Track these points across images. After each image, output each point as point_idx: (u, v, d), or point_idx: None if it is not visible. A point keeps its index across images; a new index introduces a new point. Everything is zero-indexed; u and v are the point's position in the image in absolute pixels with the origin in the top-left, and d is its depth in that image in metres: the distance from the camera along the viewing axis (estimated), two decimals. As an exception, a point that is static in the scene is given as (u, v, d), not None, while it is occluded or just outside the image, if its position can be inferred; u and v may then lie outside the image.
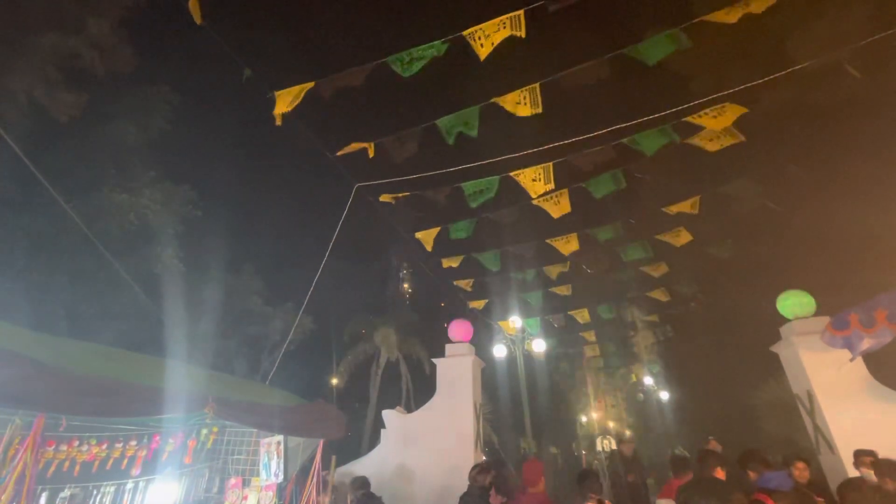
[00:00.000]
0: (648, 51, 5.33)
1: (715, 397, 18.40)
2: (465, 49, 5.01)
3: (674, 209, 8.19)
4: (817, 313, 6.54)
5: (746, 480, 4.19)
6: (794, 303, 6.66)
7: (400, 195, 7.50)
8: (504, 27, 4.88)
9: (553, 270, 10.53)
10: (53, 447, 4.44)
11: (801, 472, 4.61)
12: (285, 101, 5.53)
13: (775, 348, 6.92)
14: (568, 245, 8.91)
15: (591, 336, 15.00)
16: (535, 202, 7.35)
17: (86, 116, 10.23)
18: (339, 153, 6.56)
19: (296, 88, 5.55)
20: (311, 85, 5.52)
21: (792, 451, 5.46)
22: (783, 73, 5.54)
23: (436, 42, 5.10)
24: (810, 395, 6.04)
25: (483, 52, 4.96)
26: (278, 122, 5.60)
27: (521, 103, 5.55)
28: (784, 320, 6.77)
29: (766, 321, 7.67)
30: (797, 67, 5.47)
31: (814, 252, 13.52)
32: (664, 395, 25.45)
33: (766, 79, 5.66)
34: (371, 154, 6.34)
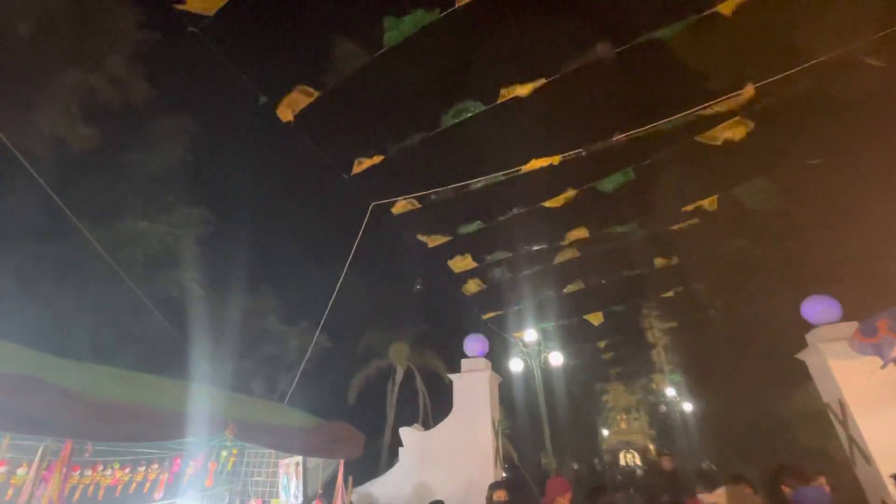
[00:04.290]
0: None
1: (741, 408, 17.79)
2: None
3: (690, 207, 8.13)
4: (843, 318, 6.34)
5: (781, 496, 4.03)
6: (819, 308, 6.48)
7: (411, 198, 7.52)
8: None
9: (563, 262, 10.44)
10: (79, 472, 4.51)
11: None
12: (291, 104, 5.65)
13: (802, 356, 6.71)
14: (577, 233, 8.92)
15: (605, 346, 14.77)
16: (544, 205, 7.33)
17: (106, 147, 10.62)
18: (353, 172, 6.70)
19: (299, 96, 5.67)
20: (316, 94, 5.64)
21: (824, 465, 5.26)
22: (798, 67, 5.49)
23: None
24: (842, 405, 5.82)
25: None
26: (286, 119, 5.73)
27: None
28: (809, 326, 6.57)
29: (790, 327, 7.45)
30: (812, 62, 5.41)
31: (837, 254, 13.14)
32: (687, 407, 24.75)
33: (782, 74, 5.61)
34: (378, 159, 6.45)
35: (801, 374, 7.56)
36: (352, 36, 5.41)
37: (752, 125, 6.19)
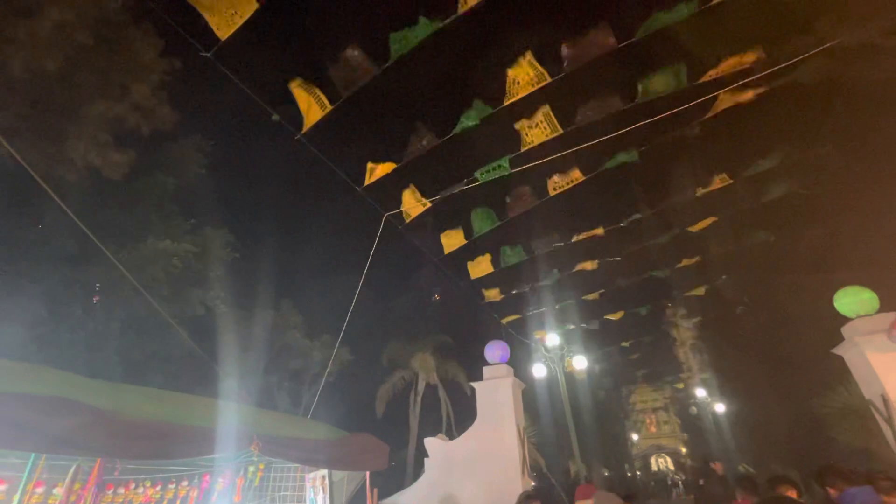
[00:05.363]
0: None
1: (776, 407, 17.13)
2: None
3: (701, 191, 7.97)
4: (880, 310, 6.06)
5: (825, 498, 3.83)
6: (853, 300, 6.21)
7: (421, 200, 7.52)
8: None
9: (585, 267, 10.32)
10: (112, 490, 4.60)
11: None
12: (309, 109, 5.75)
13: (839, 350, 6.43)
14: (594, 231, 8.82)
15: (630, 349, 14.45)
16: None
17: (131, 171, 11.01)
18: (366, 182, 6.76)
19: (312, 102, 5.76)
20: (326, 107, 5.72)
21: (868, 465, 4.99)
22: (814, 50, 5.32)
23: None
24: (885, 400, 5.54)
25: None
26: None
27: (529, 78, 5.59)
28: (845, 319, 6.30)
29: (824, 321, 7.17)
30: (831, 43, 5.25)
31: (869, 243, 12.62)
32: (719, 408, 23.96)
33: (799, 57, 5.46)
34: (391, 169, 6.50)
35: (840, 370, 7.25)
36: (360, 49, 5.48)
37: (760, 89, 5.97)
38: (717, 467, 7.68)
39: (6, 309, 8.70)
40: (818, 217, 12.98)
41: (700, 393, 25.15)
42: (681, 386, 26.88)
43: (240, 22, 4.73)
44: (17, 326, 8.61)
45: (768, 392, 17.88)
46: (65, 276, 10.49)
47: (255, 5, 4.70)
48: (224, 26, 4.77)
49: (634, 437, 31.37)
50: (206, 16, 4.73)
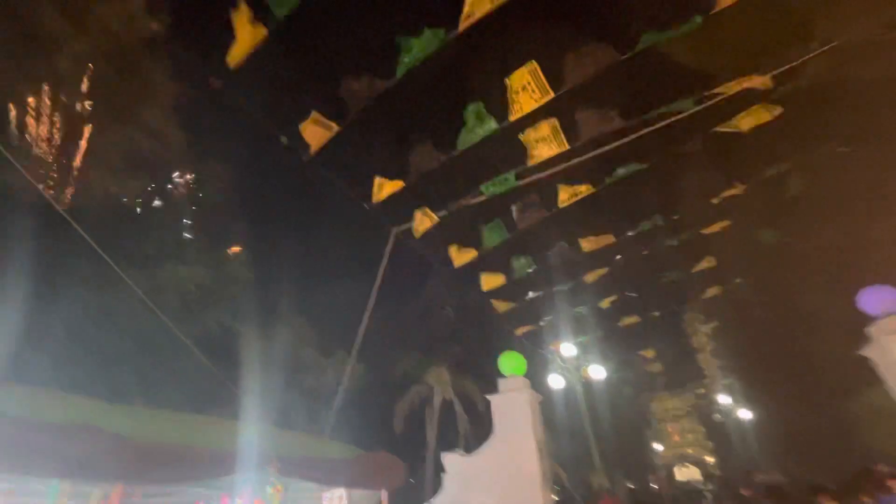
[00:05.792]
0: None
1: (803, 412, 16.61)
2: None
3: (716, 199, 7.89)
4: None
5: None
6: (877, 298, 6.04)
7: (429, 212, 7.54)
8: None
9: (593, 276, 10.24)
10: (133, 514, 4.61)
11: None
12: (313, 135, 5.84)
13: (865, 351, 6.23)
14: (602, 240, 8.75)
15: (649, 353, 14.20)
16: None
17: (147, 197, 11.32)
18: (374, 199, 6.83)
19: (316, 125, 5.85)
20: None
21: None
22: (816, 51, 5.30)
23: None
24: (918, 402, 5.35)
25: None
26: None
27: (528, 89, 5.61)
28: (868, 319, 6.12)
29: (847, 321, 6.98)
30: (831, 45, 5.22)
31: (887, 241, 12.30)
32: (744, 414, 23.26)
33: (801, 59, 5.44)
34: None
35: (866, 371, 7.02)
36: (365, 67, 5.60)
37: (777, 110, 5.97)
38: (773, 475, 7.35)
39: (27, 333, 8.90)
40: (835, 216, 12.71)
41: (723, 399, 24.51)
42: (702, 392, 26.23)
43: (249, 50, 4.87)
44: (37, 350, 8.79)
45: (793, 396, 17.36)
46: (83, 300, 10.71)
47: (264, 33, 4.84)
48: (235, 56, 4.92)
49: (657, 446, 30.56)
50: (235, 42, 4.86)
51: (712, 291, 11.60)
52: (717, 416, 25.65)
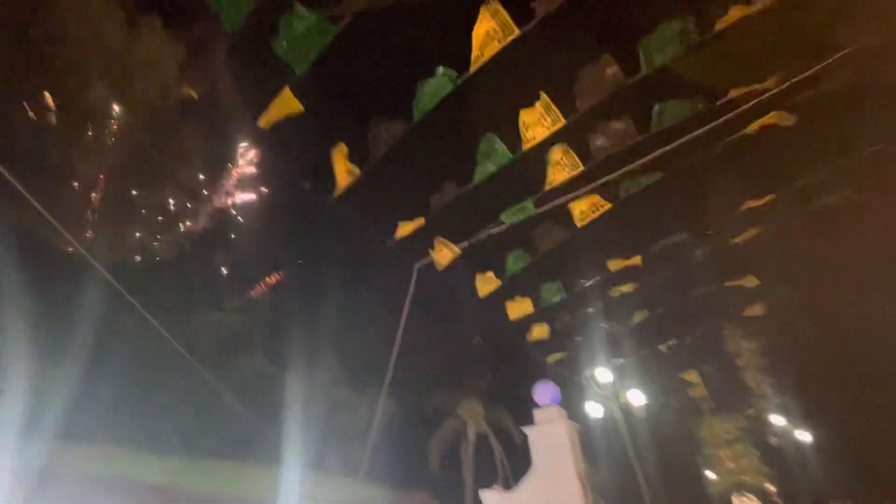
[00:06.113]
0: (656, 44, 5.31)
1: (869, 430, 15.33)
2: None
3: (743, 207, 7.70)
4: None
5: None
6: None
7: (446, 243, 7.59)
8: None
9: (625, 289, 10.00)
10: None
11: None
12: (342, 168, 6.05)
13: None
14: (634, 260, 8.59)
15: (692, 376, 13.55)
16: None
17: (179, 249, 11.89)
18: (396, 237, 6.97)
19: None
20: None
21: None
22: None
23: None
24: None
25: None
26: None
27: (541, 121, 5.67)
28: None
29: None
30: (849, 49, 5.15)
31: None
32: (803, 436, 21.58)
33: (821, 65, 5.38)
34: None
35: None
36: (386, 113, 5.85)
37: (791, 118, 5.87)
38: None
39: (79, 392, 9.26)
40: (878, 219, 12.11)
41: (776, 420, 22.90)
42: (752, 413, 24.64)
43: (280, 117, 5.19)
44: (86, 408, 9.10)
45: (856, 413, 16.09)
46: (121, 353, 11.11)
47: (300, 108, 5.18)
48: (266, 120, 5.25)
49: (710, 474, 28.58)
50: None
51: (756, 308, 11.15)
52: (773, 439, 23.93)
